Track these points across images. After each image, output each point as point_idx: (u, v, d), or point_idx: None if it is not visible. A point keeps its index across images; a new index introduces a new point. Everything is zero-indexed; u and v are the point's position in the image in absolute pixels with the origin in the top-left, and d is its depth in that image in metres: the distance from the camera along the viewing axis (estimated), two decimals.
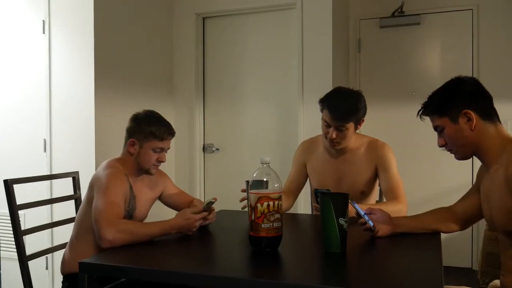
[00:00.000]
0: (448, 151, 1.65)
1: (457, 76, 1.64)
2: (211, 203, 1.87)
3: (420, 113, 1.66)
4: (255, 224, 1.49)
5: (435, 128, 1.64)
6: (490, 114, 1.57)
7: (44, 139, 3.31)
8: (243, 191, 1.98)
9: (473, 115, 1.54)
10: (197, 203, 2.11)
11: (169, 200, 2.21)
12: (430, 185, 4.04)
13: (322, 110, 2.16)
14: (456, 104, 1.56)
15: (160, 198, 2.21)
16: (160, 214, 2.22)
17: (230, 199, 3.19)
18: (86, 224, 1.94)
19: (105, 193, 1.83)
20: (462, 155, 1.63)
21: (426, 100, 1.65)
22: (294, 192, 2.38)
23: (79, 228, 2.02)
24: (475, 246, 3.93)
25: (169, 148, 2.08)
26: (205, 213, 1.85)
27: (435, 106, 1.61)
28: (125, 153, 2.05)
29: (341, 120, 2.10)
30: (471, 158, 1.64)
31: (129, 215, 1.97)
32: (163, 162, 2.04)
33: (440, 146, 1.65)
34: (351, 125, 2.13)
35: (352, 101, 2.14)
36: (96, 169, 3.13)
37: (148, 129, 1.99)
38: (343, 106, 2.10)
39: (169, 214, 2.08)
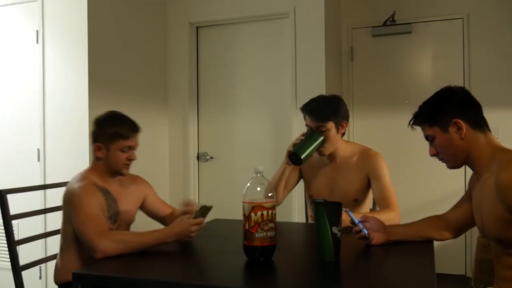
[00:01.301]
0: (439, 160, 1.67)
1: (446, 86, 1.67)
2: (207, 208, 1.83)
3: (411, 123, 1.68)
4: (249, 233, 1.49)
5: (426, 138, 1.66)
6: (479, 123, 1.59)
7: (38, 149, 3.30)
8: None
9: (462, 124, 1.56)
10: (178, 213, 2.07)
11: (150, 207, 2.18)
12: (423, 192, 4.06)
13: (304, 117, 2.24)
14: (445, 114, 1.59)
15: (142, 206, 2.18)
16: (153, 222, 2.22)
17: (225, 207, 3.19)
18: (70, 236, 1.94)
19: (81, 208, 1.82)
20: (453, 164, 1.65)
21: (417, 110, 1.67)
22: (286, 187, 2.38)
23: (64, 240, 2.01)
24: (469, 252, 3.95)
25: (137, 145, 2.04)
26: (201, 219, 1.81)
27: (426, 116, 1.64)
28: (94, 159, 2.02)
29: (320, 119, 2.16)
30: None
31: (113, 219, 1.96)
32: (133, 160, 2.01)
33: (432, 155, 1.67)
34: (331, 126, 2.17)
35: (330, 102, 2.24)
36: None
37: (112, 130, 1.96)
38: (321, 106, 2.19)
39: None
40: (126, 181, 2.09)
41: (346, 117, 2.24)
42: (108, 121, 2.00)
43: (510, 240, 1.49)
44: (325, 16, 3.64)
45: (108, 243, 1.68)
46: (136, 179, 2.16)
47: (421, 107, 1.67)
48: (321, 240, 1.52)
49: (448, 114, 1.58)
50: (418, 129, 1.69)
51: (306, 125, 2.23)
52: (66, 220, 1.96)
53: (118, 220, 1.99)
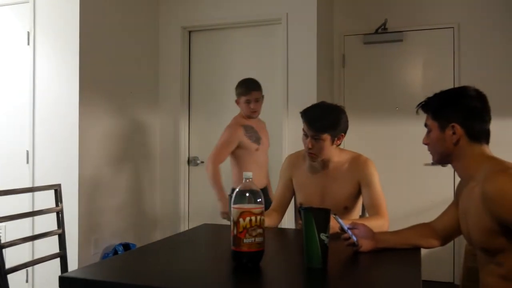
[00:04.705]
0: (428, 150, 1.68)
1: (467, 85, 1.62)
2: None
3: (419, 106, 1.67)
4: (237, 239, 1.49)
5: (425, 125, 1.66)
6: (478, 136, 1.56)
7: (27, 151, 3.28)
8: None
9: (460, 131, 1.55)
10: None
11: None
12: (412, 200, 4.08)
13: (303, 122, 2.21)
14: (449, 114, 1.57)
15: None
16: None
17: (214, 212, 3.19)
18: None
19: (223, 135, 3.03)
20: (438, 161, 1.67)
21: (431, 96, 1.64)
22: (283, 208, 2.38)
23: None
24: (457, 260, 3.96)
25: (259, 98, 3.05)
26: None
27: (432, 107, 1.62)
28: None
29: (316, 129, 2.13)
30: (452, 173, 1.67)
31: (258, 141, 3.06)
32: (255, 110, 3.06)
33: (424, 143, 1.68)
34: (326, 137, 2.14)
35: (331, 114, 2.18)
36: (79, 180, 3.12)
37: (238, 90, 3.10)
38: (320, 117, 2.15)
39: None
40: (253, 122, 3.13)
41: (344, 130, 2.21)
42: (238, 84, 3.10)
43: (495, 249, 1.49)
44: (317, 23, 3.66)
45: (213, 166, 2.99)
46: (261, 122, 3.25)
47: (434, 96, 1.64)
48: (309, 247, 1.51)
49: (451, 116, 1.56)
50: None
51: (303, 130, 2.20)
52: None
53: (261, 144, 3.08)
